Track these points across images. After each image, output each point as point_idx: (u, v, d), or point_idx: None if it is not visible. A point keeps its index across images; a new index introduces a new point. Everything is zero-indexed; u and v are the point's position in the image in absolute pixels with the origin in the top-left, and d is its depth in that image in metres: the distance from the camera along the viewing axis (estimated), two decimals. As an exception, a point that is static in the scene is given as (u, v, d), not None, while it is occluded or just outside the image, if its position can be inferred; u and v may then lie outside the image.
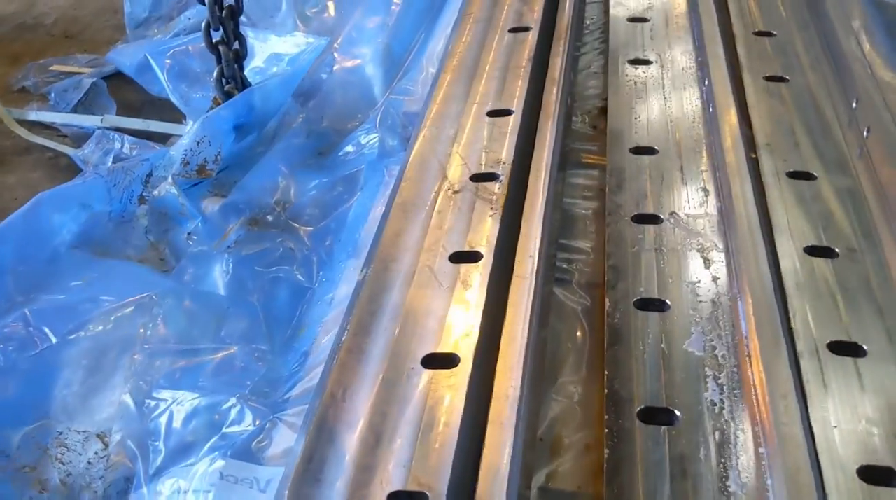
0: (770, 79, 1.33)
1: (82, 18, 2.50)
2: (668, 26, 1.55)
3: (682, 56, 1.45)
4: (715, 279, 1.00)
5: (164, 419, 0.97)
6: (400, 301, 0.94)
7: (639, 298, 0.97)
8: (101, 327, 1.07)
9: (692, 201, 1.12)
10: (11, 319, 1.05)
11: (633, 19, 1.56)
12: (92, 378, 1.05)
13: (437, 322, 0.91)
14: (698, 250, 1.04)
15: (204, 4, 1.47)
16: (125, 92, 2.05)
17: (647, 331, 0.93)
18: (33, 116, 2.01)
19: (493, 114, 1.24)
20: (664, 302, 0.96)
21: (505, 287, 0.97)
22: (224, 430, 0.95)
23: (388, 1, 1.89)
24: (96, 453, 0.98)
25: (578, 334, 1.02)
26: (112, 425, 0.99)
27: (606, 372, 0.89)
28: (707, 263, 1.02)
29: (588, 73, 1.51)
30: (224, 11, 1.45)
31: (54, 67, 2.18)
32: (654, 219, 1.08)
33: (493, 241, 1.00)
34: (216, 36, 1.48)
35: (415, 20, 1.89)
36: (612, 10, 1.59)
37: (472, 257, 0.99)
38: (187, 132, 1.47)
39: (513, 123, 1.21)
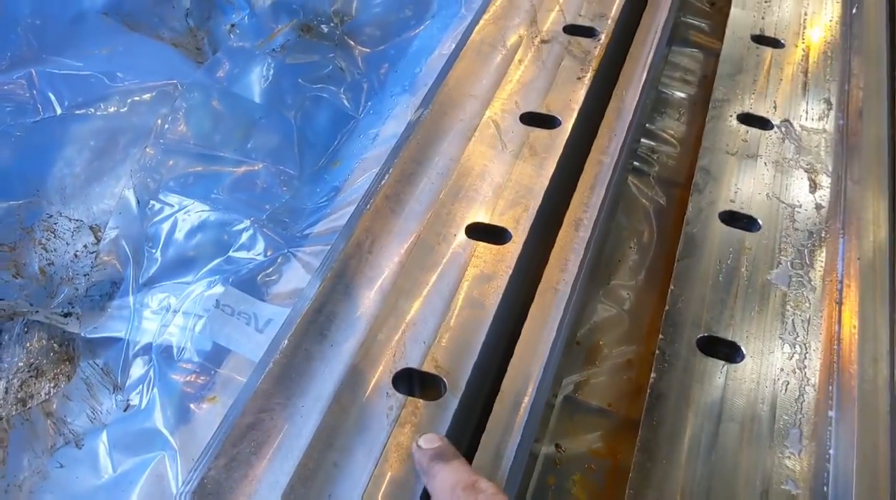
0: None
1: None
2: None
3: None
4: (818, 207, 0.85)
5: (166, 226, 0.87)
6: (455, 155, 0.81)
7: (727, 210, 0.83)
8: (114, 108, 0.94)
9: (811, 112, 0.95)
10: (15, 76, 0.92)
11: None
12: (95, 163, 0.93)
13: (492, 188, 0.77)
14: (806, 170, 0.88)
15: None
16: None
17: (729, 250, 0.80)
18: None
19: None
20: (755, 221, 0.82)
21: (579, 164, 0.83)
22: (230, 253, 0.84)
23: None
24: (86, 246, 0.88)
25: (646, 235, 0.89)
26: (108, 219, 0.89)
27: (672, 287, 0.76)
28: (813, 186, 0.87)
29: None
30: None
31: None
32: (763, 123, 0.92)
33: (576, 108, 0.85)
34: None
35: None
36: None
37: (549, 121, 0.84)
38: None
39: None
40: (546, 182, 0.78)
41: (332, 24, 1.17)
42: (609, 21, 0.95)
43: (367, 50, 1.14)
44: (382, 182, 0.78)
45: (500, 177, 0.79)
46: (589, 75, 0.89)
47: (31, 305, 0.83)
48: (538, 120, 0.84)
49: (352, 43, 1.15)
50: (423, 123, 0.84)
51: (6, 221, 0.86)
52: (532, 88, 0.88)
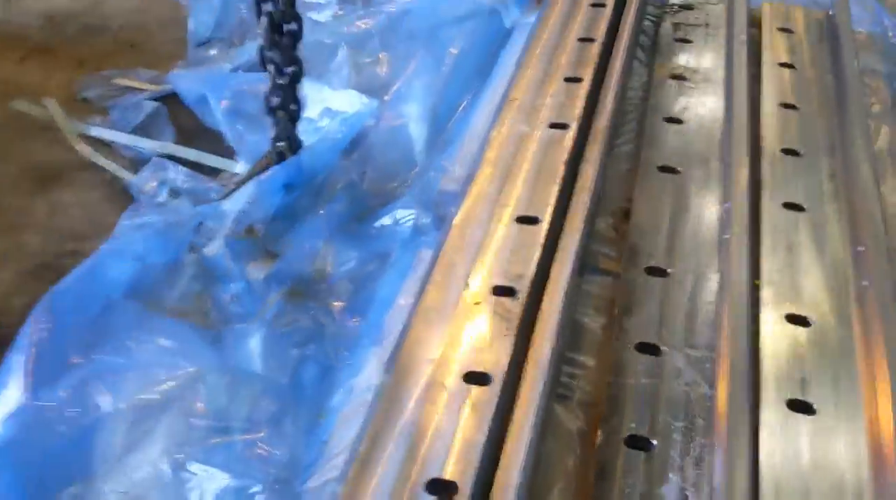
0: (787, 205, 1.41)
1: (147, 27, 2.61)
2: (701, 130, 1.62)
3: (708, 166, 1.53)
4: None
5: (195, 494, 1.10)
6: (413, 418, 1.05)
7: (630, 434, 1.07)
8: (149, 397, 1.20)
9: (694, 335, 1.21)
10: (70, 382, 1.18)
11: (669, 120, 1.63)
12: (133, 441, 1.17)
13: (443, 445, 1.01)
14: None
15: (266, 70, 1.57)
16: (182, 116, 2.16)
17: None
18: (94, 132, 2.14)
19: (521, 220, 1.34)
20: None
21: (510, 407, 1.08)
22: (249, 514, 1.07)
23: (440, 60, 1.97)
24: (133, 518, 1.11)
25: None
26: (150, 489, 1.12)
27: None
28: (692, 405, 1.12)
29: (618, 171, 1.58)
30: (284, 79, 1.55)
31: (117, 81, 2.30)
32: (654, 350, 1.18)
33: (504, 364, 1.10)
34: (275, 101, 1.58)
35: (463, 82, 1.98)
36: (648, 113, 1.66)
37: (483, 379, 1.09)
38: (238, 192, 1.58)
39: (539, 233, 1.31)
40: (484, 437, 1.02)
41: (314, 283, 1.45)
42: (526, 279, 1.22)
43: (343, 303, 1.41)
44: (360, 448, 1.02)
45: (450, 433, 1.03)
46: (513, 334, 1.15)
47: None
48: (476, 378, 1.09)
49: (330, 299, 1.42)
50: (387, 390, 1.09)
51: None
52: (470, 349, 1.13)
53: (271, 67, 1.53)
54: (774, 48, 1.80)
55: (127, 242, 1.45)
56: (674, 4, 2.04)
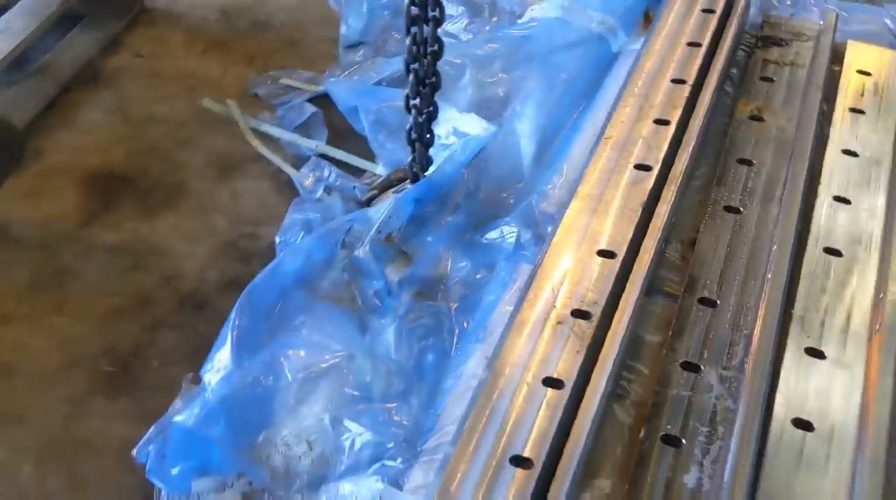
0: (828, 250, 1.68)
1: (304, 25, 3.02)
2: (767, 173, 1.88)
3: (768, 207, 1.80)
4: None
5: (347, 443, 1.55)
6: (503, 408, 1.45)
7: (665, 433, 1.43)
8: (313, 368, 1.65)
9: (729, 358, 1.54)
10: (261, 356, 1.66)
11: (741, 160, 1.91)
12: (302, 399, 1.64)
13: (524, 430, 1.41)
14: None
15: (408, 112, 1.95)
16: (334, 118, 2.59)
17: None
18: (265, 128, 2.60)
19: (601, 253, 1.68)
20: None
21: (577, 405, 1.46)
22: (384, 462, 1.52)
23: (552, 82, 2.30)
24: (305, 453, 1.58)
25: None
26: (316, 436, 1.59)
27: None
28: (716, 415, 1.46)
29: (692, 202, 1.88)
30: (423, 117, 1.94)
31: (283, 81, 2.75)
32: (695, 368, 1.52)
33: (574, 374, 1.47)
34: (413, 135, 1.97)
35: (570, 104, 2.30)
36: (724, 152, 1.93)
37: (557, 384, 1.47)
38: (381, 203, 2.00)
39: (614, 266, 1.65)
40: (555, 426, 1.41)
41: (436, 286, 1.87)
42: (599, 306, 1.58)
43: (457, 304, 1.82)
44: (463, 431, 1.42)
45: (531, 422, 1.42)
46: (584, 352, 1.51)
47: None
48: (552, 382, 1.47)
49: (447, 301, 1.84)
50: (485, 386, 1.49)
51: (265, 442, 1.57)
52: (550, 360, 1.51)
53: (413, 111, 1.91)
54: (849, 91, 2.02)
55: (303, 243, 1.91)
56: (766, 37, 2.25)
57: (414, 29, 1.82)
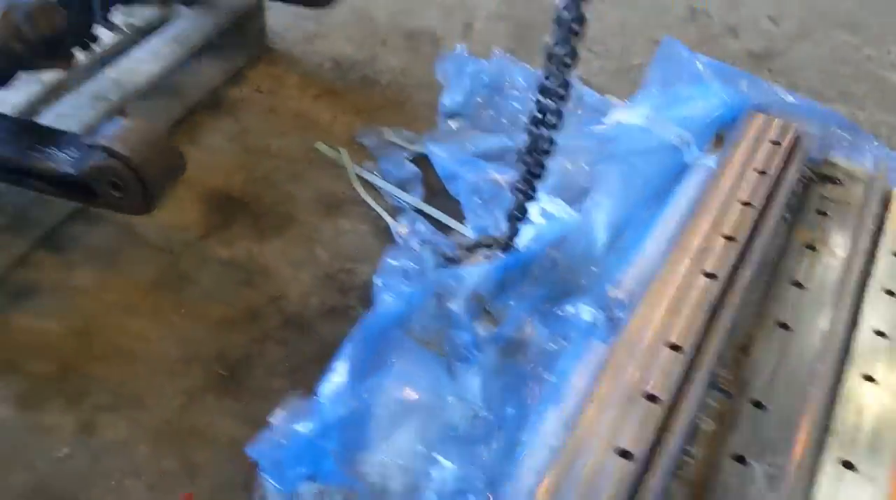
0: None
1: (408, 88, 3.34)
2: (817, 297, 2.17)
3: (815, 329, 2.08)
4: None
5: (436, 473, 1.83)
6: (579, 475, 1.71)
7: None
8: (412, 402, 1.93)
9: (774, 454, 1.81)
10: (369, 385, 1.93)
11: (795, 283, 2.19)
12: (400, 429, 1.91)
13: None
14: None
15: (511, 193, 2.26)
16: (430, 177, 2.90)
17: None
18: (368, 176, 2.90)
19: (669, 345, 1.96)
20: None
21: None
22: (467, 495, 1.79)
23: (628, 181, 2.61)
24: (398, 476, 1.85)
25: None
26: (408, 463, 1.86)
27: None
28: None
29: (749, 312, 2.17)
30: (524, 199, 2.24)
31: (387, 137, 3.06)
32: (742, 460, 1.79)
33: (646, 450, 1.74)
34: (513, 213, 2.27)
35: (642, 202, 2.61)
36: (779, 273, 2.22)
37: (627, 455, 1.73)
38: (474, 266, 2.30)
39: (681, 360, 1.93)
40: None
41: (518, 347, 2.15)
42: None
43: (534, 365, 2.10)
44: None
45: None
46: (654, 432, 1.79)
47: None
48: (623, 453, 1.74)
49: (526, 360, 2.12)
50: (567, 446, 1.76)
51: (367, 462, 1.84)
52: (621, 435, 1.79)
53: (518, 193, 2.22)
54: (892, 236, 2.32)
55: (401, 290, 2.19)
56: (825, 174, 2.56)
57: (533, 129, 2.13)
